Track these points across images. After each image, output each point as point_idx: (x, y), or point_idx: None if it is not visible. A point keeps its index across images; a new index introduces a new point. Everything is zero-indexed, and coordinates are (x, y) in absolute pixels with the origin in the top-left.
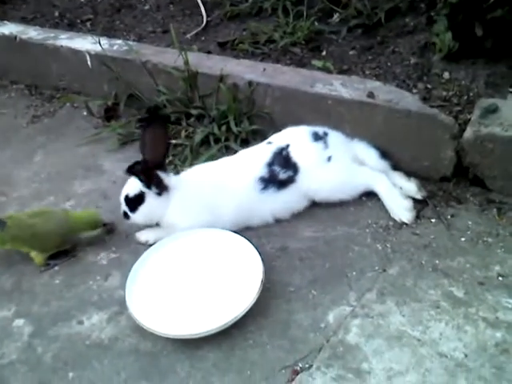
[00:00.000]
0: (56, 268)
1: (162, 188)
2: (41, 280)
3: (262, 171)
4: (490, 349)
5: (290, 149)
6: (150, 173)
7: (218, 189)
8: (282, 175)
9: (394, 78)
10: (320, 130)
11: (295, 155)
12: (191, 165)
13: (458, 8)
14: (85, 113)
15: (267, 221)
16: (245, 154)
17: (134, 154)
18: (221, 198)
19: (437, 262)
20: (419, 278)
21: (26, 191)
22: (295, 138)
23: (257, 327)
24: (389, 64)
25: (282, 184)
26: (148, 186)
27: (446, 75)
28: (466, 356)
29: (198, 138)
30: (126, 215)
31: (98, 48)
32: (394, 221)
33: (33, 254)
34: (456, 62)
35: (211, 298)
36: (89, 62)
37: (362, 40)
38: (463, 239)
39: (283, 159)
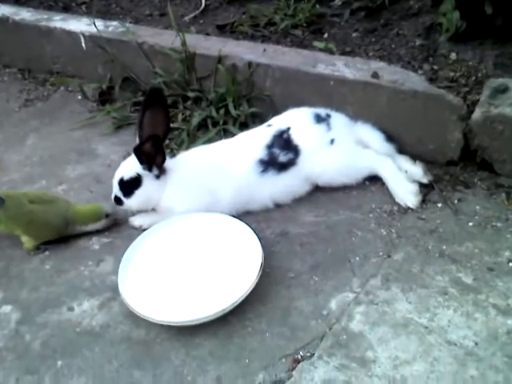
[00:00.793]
0: (46, 253)
1: (161, 170)
2: (30, 265)
3: (261, 153)
4: (502, 337)
5: (291, 131)
6: (155, 152)
7: (215, 171)
8: (283, 158)
9: (399, 59)
10: (323, 111)
11: (296, 138)
12: (188, 149)
13: None
14: (79, 97)
15: (267, 205)
16: (243, 136)
17: (128, 138)
18: (219, 181)
19: (444, 247)
20: (426, 264)
21: (17, 175)
22: (296, 120)
23: (256, 314)
24: (393, 46)
25: (283, 167)
26: (149, 168)
27: (453, 56)
28: (476, 344)
29: (195, 121)
30: (118, 201)
31: (92, 29)
32: (399, 205)
33: (24, 238)
34: (463, 42)
35: (208, 283)
36: (83, 44)
37: (365, 23)
38: (471, 224)
39: (283, 142)
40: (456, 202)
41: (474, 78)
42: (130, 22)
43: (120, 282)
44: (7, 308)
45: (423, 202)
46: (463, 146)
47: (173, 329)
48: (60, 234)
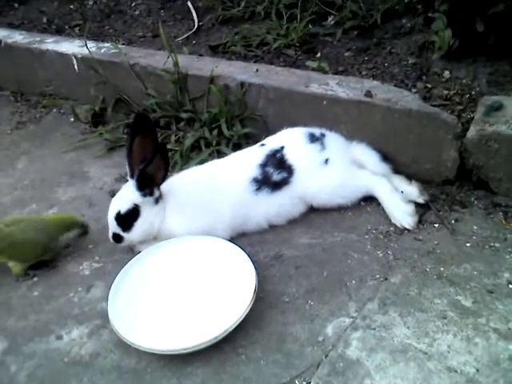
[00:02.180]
0: (35, 279)
1: (159, 193)
2: (18, 292)
3: (255, 172)
4: (504, 363)
5: (284, 151)
6: (157, 171)
7: (212, 189)
8: (276, 177)
9: (392, 78)
10: (317, 131)
11: (290, 157)
12: (181, 170)
13: (457, 3)
14: (72, 119)
15: (262, 225)
16: (237, 155)
17: (121, 160)
18: (215, 199)
19: (442, 269)
20: (424, 287)
21: (7, 198)
22: (290, 140)
23: (249, 341)
24: (386, 64)
25: (276, 186)
26: (151, 192)
27: (447, 74)
28: (477, 371)
29: (188, 142)
30: (118, 238)
31: (84, 51)
32: (395, 226)
33: (11, 263)
34: (456, 60)
35: (200, 309)
36: (75, 66)
37: (358, 42)
38: (469, 245)
39: (277, 161)
40: (453, 221)
41: (467, 95)
42: (123, 44)
43: (110, 309)
44: None
45: (420, 222)
46: (459, 165)
47: (164, 357)
48: (46, 250)
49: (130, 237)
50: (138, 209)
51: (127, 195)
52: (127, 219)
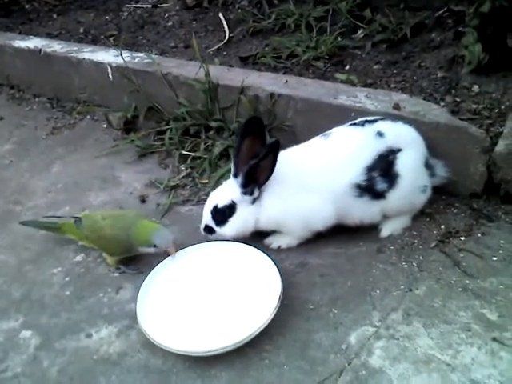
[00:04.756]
0: (66, 279)
1: (258, 195)
2: (51, 290)
3: (360, 178)
4: None
5: (399, 155)
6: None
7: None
8: (379, 186)
9: (421, 91)
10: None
11: (401, 164)
12: (209, 178)
13: (488, 18)
14: (104, 125)
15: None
16: (342, 141)
17: (151, 166)
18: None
19: (467, 282)
20: (448, 299)
21: (41, 201)
22: (409, 143)
23: (273, 346)
24: (415, 78)
25: (378, 196)
26: (252, 191)
27: (476, 88)
28: None
29: (217, 150)
30: (210, 230)
31: (119, 60)
32: (420, 238)
33: (104, 254)
34: (486, 74)
35: (226, 314)
36: (110, 75)
37: (387, 55)
38: (495, 259)
39: (386, 165)
40: (479, 235)
41: (497, 110)
42: (156, 54)
43: (138, 310)
44: (27, 333)
45: (446, 236)
46: (487, 179)
47: (189, 359)
48: (130, 250)
49: (222, 231)
50: (235, 206)
51: (227, 191)
52: (222, 214)
